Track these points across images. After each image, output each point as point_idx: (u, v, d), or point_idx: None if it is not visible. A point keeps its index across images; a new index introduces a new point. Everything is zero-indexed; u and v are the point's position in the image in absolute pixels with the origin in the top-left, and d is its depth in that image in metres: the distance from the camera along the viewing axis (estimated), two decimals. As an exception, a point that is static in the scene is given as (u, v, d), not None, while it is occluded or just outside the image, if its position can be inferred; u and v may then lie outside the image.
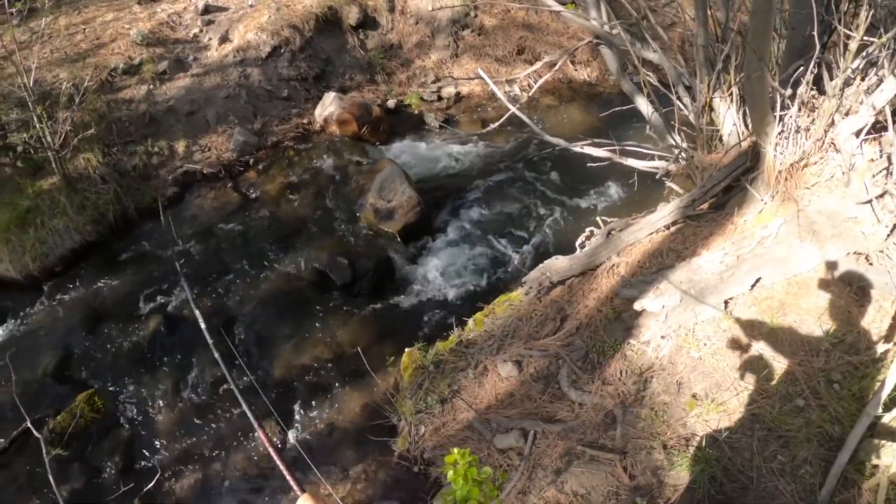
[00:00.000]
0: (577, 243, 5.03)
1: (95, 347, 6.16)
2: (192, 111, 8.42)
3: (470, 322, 4.92)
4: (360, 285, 6.05)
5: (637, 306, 4.18)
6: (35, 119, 6.82)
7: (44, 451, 4.93)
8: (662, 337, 4.08)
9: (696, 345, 3.93)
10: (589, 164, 5.26)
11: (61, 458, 5.29)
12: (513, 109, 5.47)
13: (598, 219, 5.10)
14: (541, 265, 4.91)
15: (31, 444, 5.40)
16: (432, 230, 6.49)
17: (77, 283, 6.86)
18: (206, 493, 4.92)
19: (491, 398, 4.38)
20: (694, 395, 3.77)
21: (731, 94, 4.44)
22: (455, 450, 3.07)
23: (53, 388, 5.91)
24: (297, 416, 5.21)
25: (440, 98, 8.59)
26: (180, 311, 6.25)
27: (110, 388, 5.80)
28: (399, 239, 6.33)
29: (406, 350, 4.92)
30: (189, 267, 6.70)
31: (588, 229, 5.07)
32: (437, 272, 6.10)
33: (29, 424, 5.19)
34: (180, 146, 8.07)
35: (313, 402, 5.26)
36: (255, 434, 5.08)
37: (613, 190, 6.33)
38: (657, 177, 5.22)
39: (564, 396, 4.24)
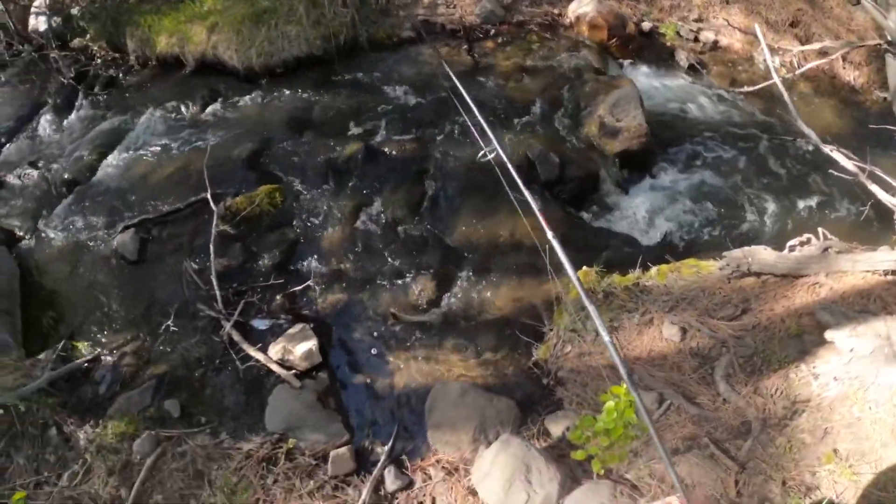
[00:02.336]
0: (788, 244, 4.73)
1: (292, 150, 6.41)
2: (448, -34, 8.33)
3: (653, 270, 4.75)
4: (562, 188, 5.86)
5: (828, 336, 3.89)
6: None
7: (214, 222, 5.54)
8: (835, 378, 3.81)
9: (863, 404, 3.63)
10: (829, 171, 4.86)
11: (226, 235, 5.64)
12: (776, 80, 5.09)
13: (819, 229, 4.75)
14: (746, 248, 4.62)
15: (205, 214, 5.78)
16: (649, 166, 6.13)
17: (291, 89, 7.12)
18: (344, 316, 5.13)
19: (644, 351, 4.29)
20: (835, 451, 3.53)
21: None
22: (624, 385, 3.06)
23: (241, 172, 6.24)
24: (455, 281, 5.24)
25: (696, 40, 7.99)
26: (383, 146, 6.31)
27: (294, 190, 6.04)
28: (615, 161, 6.01)
29: (584, 268, 4.81)
30: (402, 108, 6.75)
31: (805, 236, 4.76)
32: (639, 209, 5.81)
33: (209, 195, 5.79)
34: (427, -5, 8.09)
35: (475, 275, 5.24)
36: (411, 289, 5.24)
37: (841, 206, 5.74)
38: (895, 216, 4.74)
39: (713, 384, 4.09)
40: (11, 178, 6.62)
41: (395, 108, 6.79)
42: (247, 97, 7.14)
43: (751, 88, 5.45)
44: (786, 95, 5.06)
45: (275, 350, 4.74)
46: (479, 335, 4.86)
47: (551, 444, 4.04)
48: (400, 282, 5.28)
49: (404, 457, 4.19)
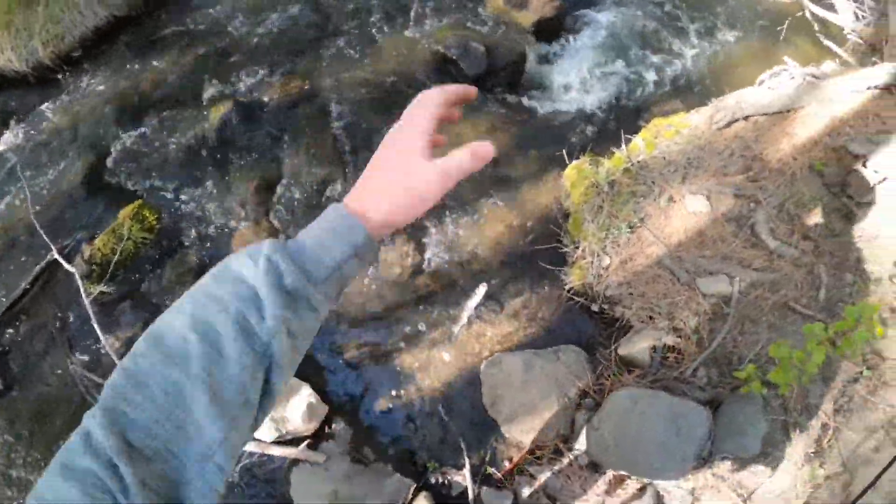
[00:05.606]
0: (759, 80, 4.10)
1: (138, 147, 4.48)
2: None
3: (637, 141, 3.83)
4: (495, 79, 4.56)
5: (871, 165, 3.35)
6: None
7: (81, 289, 3.48)
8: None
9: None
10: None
11: (107, 299, 3.77)
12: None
13: (785, 58, 4.11)
14: (734, 94, 3.91)
15: (63, 280, 3.87)
16: (568, 29, 4.99)
17: (105, 70, 5.03)
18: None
19: (680, 233, 3.44)
20: None
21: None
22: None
23: (85, 204, 4.27)
24: (429, 232, 3.85)
25: None
26: (257, 96, 4.57)
27: (165, 198, 4.20)
28: (532, 34, 4.82)
29: (572, 163, 3.77)
30: (259, 41, 4.94)
31: (776, 67, 4.09)
32: (574, 78, 4.66)
33: (56, 255, 3.77)
34: None
35: (448, 215, 3.90)
36: (383, 260, 3.76)
37: (783, 34, 4.90)
38: (845, 32, 4.34)
39: (760, 244, 3.42)
40: None
41: (250, 43, 4.97)
42: (50, 103, 4.96)
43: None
44: None
45: (262, 426, 3.17)
46: (490, 287, 3.63)
47: (640, 374, 3.08)
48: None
49: (489, 469, 3.02)
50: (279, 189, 4.10)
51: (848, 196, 3.44)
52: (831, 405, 2.87)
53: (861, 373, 2.92)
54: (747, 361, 3.02)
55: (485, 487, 2.87)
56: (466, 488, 2.85)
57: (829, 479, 2.72)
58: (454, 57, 4.51)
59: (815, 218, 3.45)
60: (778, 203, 3.52)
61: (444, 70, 4.53)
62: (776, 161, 3.66)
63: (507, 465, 2.96)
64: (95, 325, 3.43)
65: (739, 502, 2.73)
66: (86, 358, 3.63)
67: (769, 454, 2.76)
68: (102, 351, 3.52)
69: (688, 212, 3.51)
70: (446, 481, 3.02)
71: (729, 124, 3.85)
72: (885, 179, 3.32)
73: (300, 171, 4.14)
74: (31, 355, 3.72)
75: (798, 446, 2.75)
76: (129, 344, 3.61)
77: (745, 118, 3.87)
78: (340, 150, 4.23)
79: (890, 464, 1.70)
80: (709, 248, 3.41)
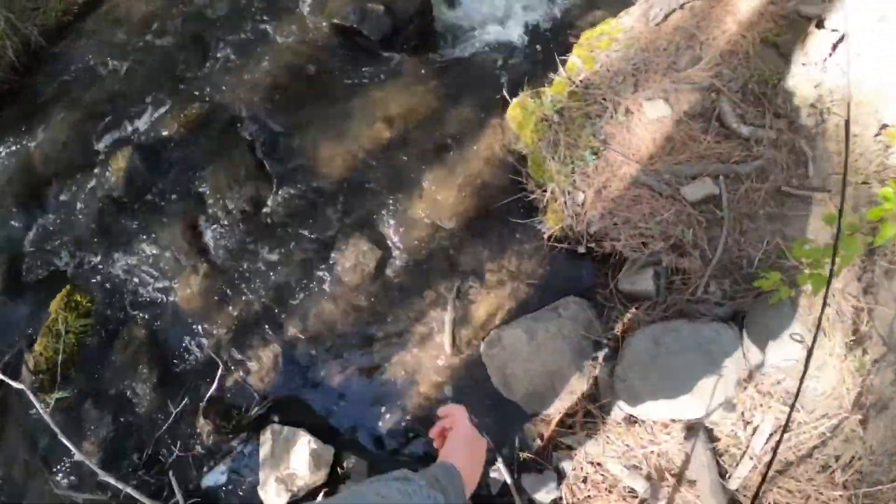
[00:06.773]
0: None
1: (48, 228, 3.84)
2: None
3: (573, 60, 3.47)
4: (404, 37, 4.05)
5: (828, 24, 3.05)
6: None
7: (37, 404, 2.88)
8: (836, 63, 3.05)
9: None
10: None
11: (66, 403, 3.25)
12: None
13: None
14: None
15: (16, 398, 3.34)
16: None
17: None
18: (292, 372, 3.18)
19: (648, 145, 3.14)
20: (884, 126, 2.86)
21: None
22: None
23: (10, 309, 3.66)
24: (385, 221, 3.40)
25: None
26: (158, 137, 3.95)
27: (93, 274, 3.61)
28: None
29: (513, 101, 3.40)
30: (144, 77, 4.25)
31: None
32: (487, 13, 4.23)
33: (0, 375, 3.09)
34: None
35: (401, 198, 3.44)
36: (336, 268, 3.32)
37: None
38: None
39: (733, 134, 3.16)
40: None
41: (133, 81, 4.29)
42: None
43: None
44: None
45: (270, 491, 2.74)
46: (463, 256, 3.26)
47: (649, 305, 2.81)
48: (321, 274, 3.36)
49: (523, 455, 2.69)
50: (207, 224, 3.59)
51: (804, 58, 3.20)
52: (857, 286, 2.64)
53: (871, 244, 2.66)
54: (757, 262, 2.77)
55: (524, 475, 2.57)
56: (506, 482, 2.53)
57: (877, 363, 2.50)
58: (353, 25, 3.98)
59: (781, 93, 3.20)
60: (739, 87, 3.25)
61: (347, 42, 4.03)
62: (726, 43, 3.36)
63: (539, 443, 2.66)
64: (63, 439, 2.88)
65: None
66: (67, 476, 3.14)
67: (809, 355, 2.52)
68: (80, 461, 3.00)
69: (649, 120, 3.20)
70: (483, 482, 2.68)
71: (666, 17, 3.52)
72: (844, 36, 3.06)
73: (225, 197, 3.62)
74: (14, 489, 3.23)
75: (836, 338, 2.52)
76: (103, 446, 3.13)
77: (681, 6, 3.54)
78: (260, 160, 3.73)
79: None
80: (682, 153, 3.12)
